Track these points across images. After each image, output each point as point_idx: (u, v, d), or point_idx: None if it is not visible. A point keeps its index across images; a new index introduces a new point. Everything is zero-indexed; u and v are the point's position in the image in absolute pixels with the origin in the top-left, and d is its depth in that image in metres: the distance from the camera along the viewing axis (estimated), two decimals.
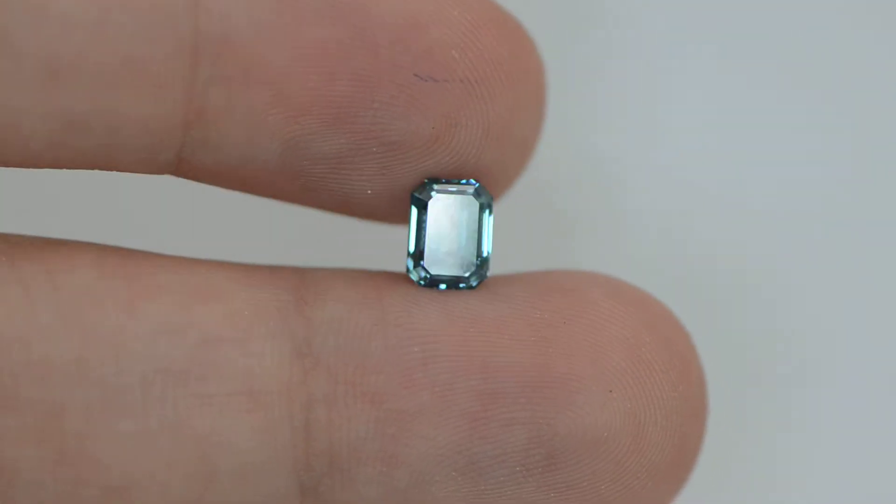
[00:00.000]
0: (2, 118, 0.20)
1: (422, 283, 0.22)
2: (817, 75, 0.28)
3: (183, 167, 0.21)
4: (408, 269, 0.22)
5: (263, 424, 0.21)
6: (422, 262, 0.22)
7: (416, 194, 0.22)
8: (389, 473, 0.21)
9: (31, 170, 0.21)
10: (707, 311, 0.27)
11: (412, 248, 0.22)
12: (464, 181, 0.22)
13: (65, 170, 0.21)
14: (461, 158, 0.22)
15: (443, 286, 0.22)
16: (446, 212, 0.22)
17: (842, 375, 0.28)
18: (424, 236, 0.22)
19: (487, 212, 0.22)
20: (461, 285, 0.22)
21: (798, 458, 0.28)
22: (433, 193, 0.22)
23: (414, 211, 0.22)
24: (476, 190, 0.22)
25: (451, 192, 0.22)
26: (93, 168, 0.21)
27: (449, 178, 0.22)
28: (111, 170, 0.21)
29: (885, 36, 0.29)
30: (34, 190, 0.26)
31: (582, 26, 0.28)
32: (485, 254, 0.22)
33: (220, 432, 0.21)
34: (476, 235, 0.22)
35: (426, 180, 0.22)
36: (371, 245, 0.25)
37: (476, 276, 0.22)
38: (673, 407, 0.22)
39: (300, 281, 0.22)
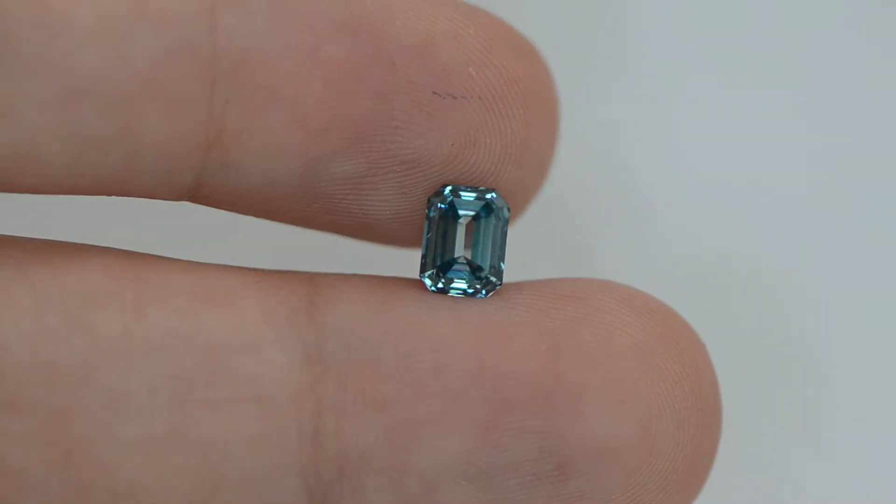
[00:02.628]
0: (20, 141, 0.20)
1: (434, 289, 0.22)
2: (835, 77, 0.28)
3: (202, 191, 0.21)
4: (420, 277, 0.22)
5: (271, 431, 0.21)
6: (435, 271, 0.22)
7: (433, 198, 0.22)
8: (399, 482, 0.21)
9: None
10: (723, 320, 0.27)
11: (424, 256, 0.22)
12: (482, 189, 0.22)
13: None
14: (480, 176, 0.22)
15: (455, 292, 0.22)
16: (461, 220, 0.22)
17: (860, 386, 0.27)
18: (438, 244, 0.22)
19: (504, 224, 0.22)
20: (472, 293, 0.22)
21: (814, 469, 0.27)
22: (448, 196, 0.22)
23: (428, 219, 0.22)
24: (493, 201, 0.22)
25: (467, 200, 0.22)
26: (111, 193, 0.21)
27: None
28: (130, 195, 0.21)
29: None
30: (44, 196, 0.26)
31: (595, 32, 0.28)
32: (498, 265, 0.22)
33: (228, 438, 0.21)
34: (491, 246, 0.22)
35: (443, 186, 0.22)
36: (383, 251, 0.24)
37: (489, 289, 0.22)
38: (686, 417, 0.22)
39: (311, 286, 0.22)
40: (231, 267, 0.22)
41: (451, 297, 0.22)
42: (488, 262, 0.22)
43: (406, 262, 0.23)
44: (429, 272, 0.22)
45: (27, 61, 0.19)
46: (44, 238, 0.21)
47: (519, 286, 0.22)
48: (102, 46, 0.20)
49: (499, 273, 0.22)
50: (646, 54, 0.28)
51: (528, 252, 0.25)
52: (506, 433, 0.21)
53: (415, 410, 0.21)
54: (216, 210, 0.22)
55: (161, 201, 0.22)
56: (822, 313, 0.28)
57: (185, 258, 0.22)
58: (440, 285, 0.22)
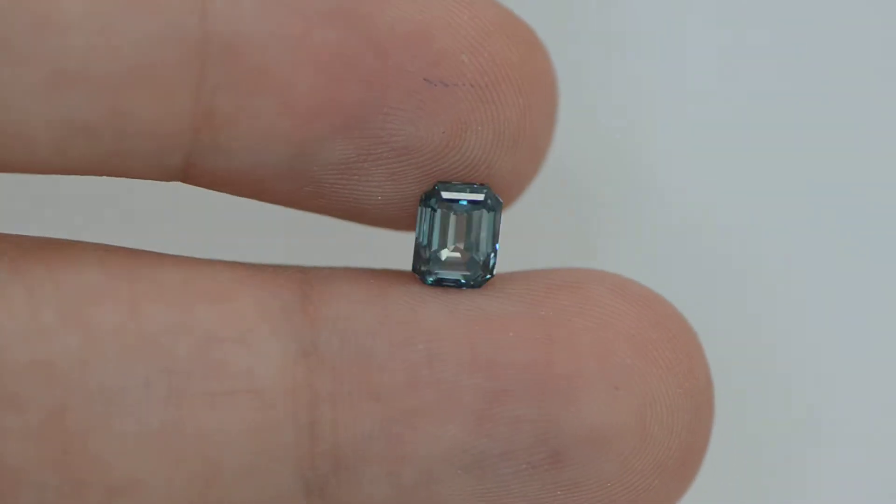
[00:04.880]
0: (8, 125, 0.20)
1: (427, 281, 0.22)
2: (836, 64, 0.28)
3: (192, 173, 0.21)
4: (413, 269, 0.22)
5: (267, 423, 0.21)
6: (427, 263, 0.22)
7: (425, 196, 0.22)
8: (395, 472, 0.21)
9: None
10: (717, 308, 0.27)
11: (418, 250, 0.22)
12: (474, 185, 0.22)
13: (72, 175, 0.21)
14: (472, 164, 0.22)
15: (448, 284, 0.22)
16: (454, 214, 0.22)
17: (850, 375, 0.28)
18: (431, 237, 0.22)
19: (496, 215, 0.22)
20: (465, 285, 0.22)
21: (805, 456, 0.27)
22: (442, 196, 0.22)
23: (421, 212, 0.22)
24: (485, 195, 0.22)
25: (460, 197, 0.22)
26: (101, 174, 0.21)
27: (459, 181, 0.22)
28: (119, 176, 0.21)
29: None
30: (39, 192, 0.26)
31: (594, 18, 0.28)
32: (491, 256, 0.22)
33: (224, 431, 0.21)
34: (483, 238, 0.22)
35: (436, 184, 0.22)
36: (375, 245, 0.25)
37: (481, 278, 0.22)
38: (679, 404, 0.22)
39: (304, 280, 0.22)
40: (224, 262, 0.22)
41: (444, 288, 0.22)
42: (481, 254, 0.22)
43: (399, 252, 0.23)
44: (421, 265, 0.22)
45: (15, 47, 0.19)
46: (38, 235, 0.21)
47: (512, 276, 0.22)
48: (91, 32, 0.20)
49: (490, 266, 0.22)
50: (646, 40, 0.28)
51: (525, 242, 0.25)
52: (501, 422, 0.21)
53: (409, 401, 0.21)
54: (209, 196, 0.22)
55: (155, 182, 0.22)
56: (818, 305, 0.28)
57: (179, 242, 0.22)
58: (433, 279, 0.22)
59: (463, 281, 0.22)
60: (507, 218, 0.23)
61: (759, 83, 0.28)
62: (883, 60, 0.28)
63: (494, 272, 0.22)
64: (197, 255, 0.22)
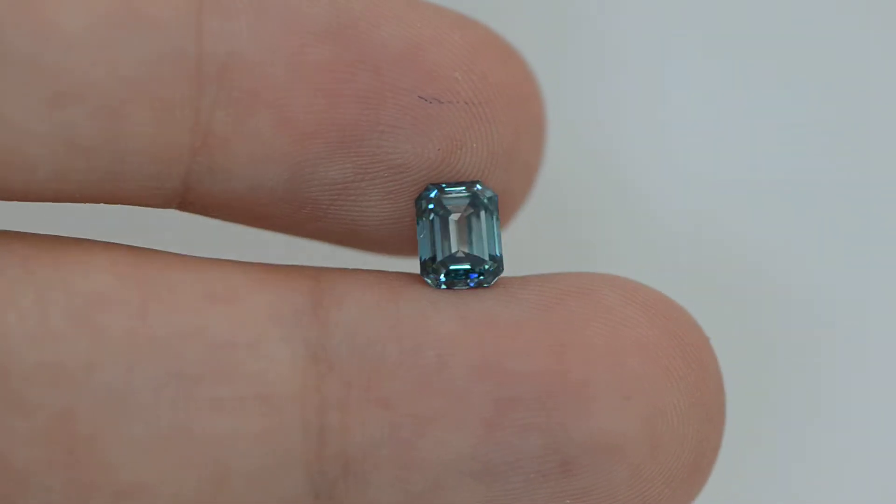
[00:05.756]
0: (6, 147, 0.20)
1: (436, 286, 0.22)
2: (827, 65, 0.28)
3: (189, 197, 0.21)
4: (423, 278, 0.22)
5: (276, 429, 0.21)
6: (434, 269, 0.22)
7: (419, 200, 0.22)
8: (404, 478, 0.21)
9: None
10: (724, 312, 0.27)
11: (423, 256, 0.22)
12: (467, 182, 0.22)
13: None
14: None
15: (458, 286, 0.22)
16: (452, 215, 0.22)
17: (864, 382, 0.27)
18: (432, 242, 0.22)
19: (494, 211, 0.22)
20: (474, 285, 0.22)
21: (816, 464, 0.27)
22: (435, 195, 0.22)
23: (420, 223, 0.22)
24: (479, 190, 0.22)
25: (455, 196, 0.22)
26: (98, 200, 0.21)
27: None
28: (117, 202, 0.21)
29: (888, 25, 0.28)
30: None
31: (583, 26, 0.28)
32: (496, 253, 0.22)
33: (232, 436, 0.21)
34: (484, 235, 0.22)
35: (429, 185, 0.22)
36: None
37: (490, 276, 0.22)
38: (690, 414, 0.22)
39: (315, 283, 0.22)
40: (236, 263, 0.22)
41: (456, 291, 0.22)
42: (486, 252, 0.22)
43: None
44: (430, 273, 0.22)
45: (15, 67, 0.19)
46: (49, 234, 0.21)
47: (523, 281, 0.22)
48: (91, 52, 0.20)
49: (498, 260, 0.22)
50: (636, 47, 0.28)
51: (527, 248, 0.25)
52: (510, 430, 0.21)
53: (419, 407, 0.21)
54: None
55: (151, 209, 0.22)
56: (824, 302, 0.28)
57: (190, 239, 0.22)
58: (443, 285, 0.22)
59: (473, 284, 0.22)
60: (512, 224, 0.23)
61: (752, 82, 0.28)
62: (874, 63, 0.28)
63: (504, 267, 0.22)
64: (208, 253, 0.22)
